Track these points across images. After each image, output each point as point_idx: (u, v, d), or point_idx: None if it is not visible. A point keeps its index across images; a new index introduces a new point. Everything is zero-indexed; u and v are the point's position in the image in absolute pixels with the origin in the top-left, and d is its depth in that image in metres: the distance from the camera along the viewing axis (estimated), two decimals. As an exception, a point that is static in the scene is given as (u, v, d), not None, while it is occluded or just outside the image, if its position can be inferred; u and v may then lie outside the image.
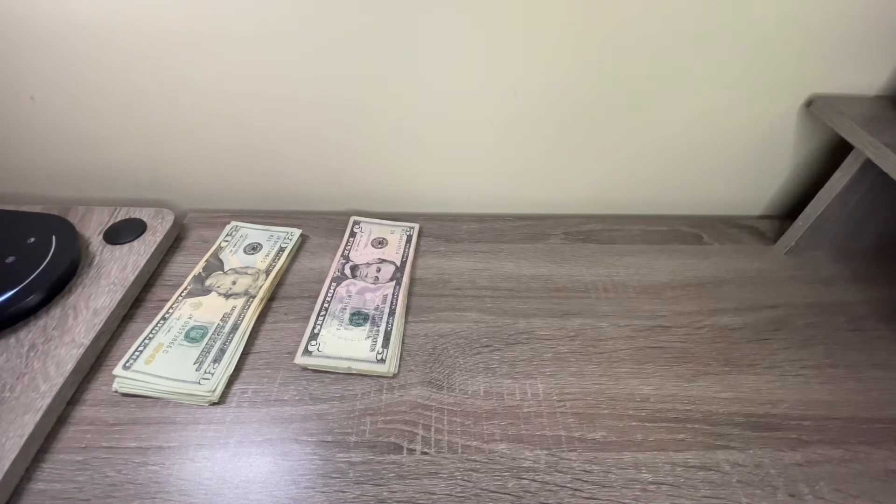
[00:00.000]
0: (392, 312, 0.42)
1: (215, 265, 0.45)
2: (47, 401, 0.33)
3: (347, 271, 0.46)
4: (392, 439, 0.34)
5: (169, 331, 0.38)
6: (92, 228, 0.47)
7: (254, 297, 0.42)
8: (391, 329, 0.40)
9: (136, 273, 0.42)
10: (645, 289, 0.46)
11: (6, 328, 0.37)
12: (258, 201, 0.54)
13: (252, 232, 0.49)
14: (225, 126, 0.48)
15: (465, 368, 0.38)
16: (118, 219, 0.48)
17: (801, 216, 0.49)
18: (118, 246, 0.45)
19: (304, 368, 0.38)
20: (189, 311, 0.40)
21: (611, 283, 0.47)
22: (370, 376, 0.37)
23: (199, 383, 0.35)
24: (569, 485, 0.32)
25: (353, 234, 0.50)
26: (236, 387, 0.36)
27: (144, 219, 0.48)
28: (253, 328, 0.40)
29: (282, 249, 0.47)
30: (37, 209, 0.47)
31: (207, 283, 0.43)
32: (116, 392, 0.35)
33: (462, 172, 0.53)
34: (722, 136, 0.50)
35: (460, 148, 0.51)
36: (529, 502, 0.31)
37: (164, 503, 0.30)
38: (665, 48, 0.43)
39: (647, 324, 0.43)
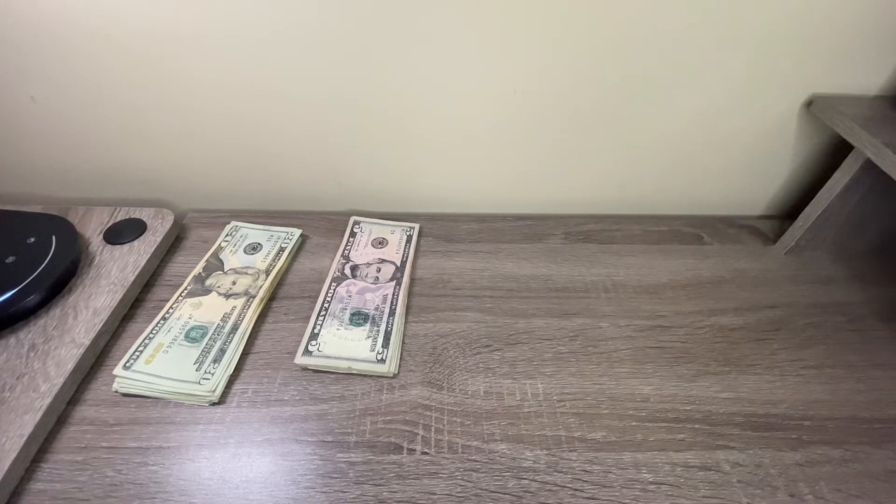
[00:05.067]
0: (392, 312, 0.42)
1: (215, 265, 0.45)
2: (47, 401, 0.33)
3: (347, 271, 0.46)
4: (392, 439, 0.34)
5: (169, 331, 0.38)
6: (92, 228, 0.47)
7: (254, 297, 0.42)
8: (391, 329, 0.40)
9: (136, 273, 0.42)
10: (645, 289, 0.46)
11: (6, 328, 0.37)
12: (258, 201, 0.54)
13: (252, 232, 0.49)
14: (225, 126, 0.48)
15: (465, 368, 0.38)
16: (118, 219, 0.48)
17: (801, 216, 0.50)
18: (118, 246, 0.45)
19: (305, 368, 0.38)
20: (189, 311, 0.40)
21: (611, 283, 0.47)
22: (370, 376, 0.37)
23: (199, 383, 0.35)
24: (569, 485, 0.32)
25: (353, 234, 0.50)
26: (236, 387, 0.36)
27: (144, 219, 0.48)
28: (253, 328, 0.40)
29: (282, 249, 0.47)
30: (37, 209, 0.47)
31: (207, 283, 0.43)
32: (116, 392, 0.35)
33: (462, 172, 0.53)
34: (722, 136, 0.50)
35: (460, 148, 0.51)
36: (529, 502, 0.31)
37: (163, 503, 0.30)
38: (665, 48, 0.43)
39: (647, 324, 0.43)
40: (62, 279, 0.41)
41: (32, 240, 0.42)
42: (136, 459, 0.32)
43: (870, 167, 0.42)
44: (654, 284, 0.47)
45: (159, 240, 0.46)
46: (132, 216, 0.48)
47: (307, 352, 0.38)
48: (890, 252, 0.51)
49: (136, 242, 0.45)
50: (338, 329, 0.40)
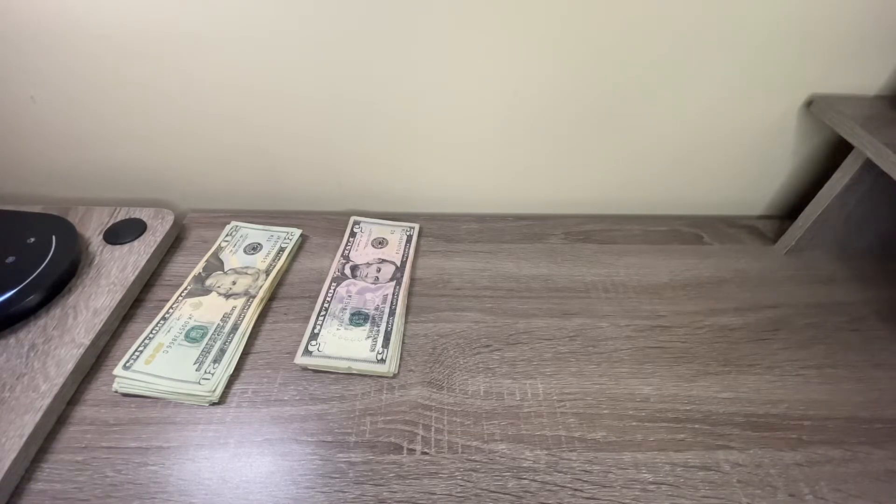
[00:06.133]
0: (392, 312, 0.42)
1: (215, 265, 0.45)
2: (47, 401, 0.33)
3: (347, 271, 0.46)
4: (392, 439, 0.34)
5: (169, 331, 0.38)
6: (92, 228, 0.47)
7: (254, 297, 0.42)
8: (391, 329, 0.40)
9: (136, 273, 0.42)
10: (645, 289, 0.46)
11: (6, 328, 0.37)
12: (258, 201, 0.54)
13: (252, 232, 0.49)
14: (225, 126, 0.48)
15: (465, 368, 0.38)
16: (118, 219, 0.48)
17: (801, 216, 0.50)
18: (118, 246, 0.45)
19: (305, 368, 0.38)
20: (189, 311, 0.40)
21: (611, 283, 0.47)
22: (370, 376, 0.37)
23: (199, 383, 0.35)
24: (569, 485, 0.32)
25: (353, 234, 0.50)
26: (236, 387, 0.36)
27: (144, 219, 0.48)
28: (253, 328, 0.40)
29: (282, 249, 0.47)
30: (37, 209, 0.47)
31: (207, 283, 0.43)
32: (116, 392, 0.35)
33: (462, 172, 0.53)
34: (722, 137, 0.50)
35: (460, 148, 0.51)
36: (529, 502, 0.31)
37: (164, 503, 0.30)
38: (665, 48, 0.43)
39: (647, 324, 0.43)
40: (62, 279, 0.41)
41: (32, 240, 0.42)
42: (136, 459, 0.32)
43: (870, 167, 0.42)
44: (654, 284, 0.47)
45: (159, 240, 0.46)
46: (132, 216, 0.48)
47: (307, 352, 0.38)
48: (890, 252, 0.51)
49: (136, 242, 0.45)
50: (338, 329, 0.40)
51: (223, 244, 0.48)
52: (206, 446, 0.33)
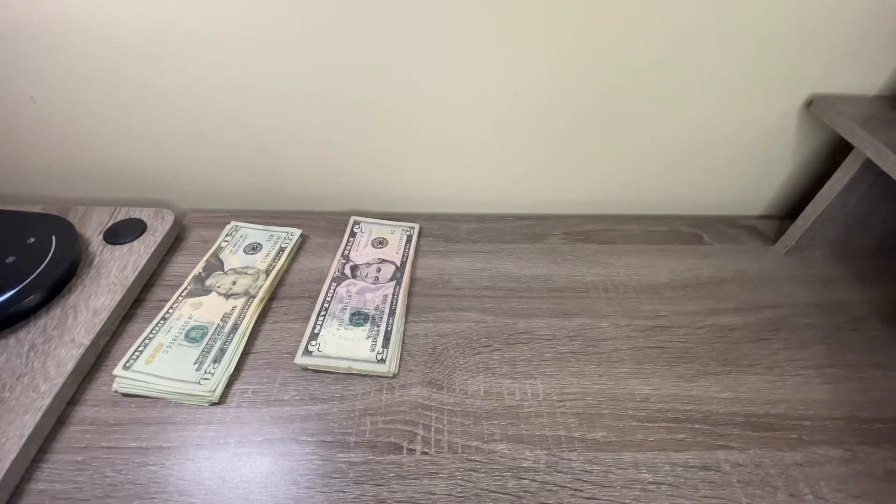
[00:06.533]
0: (392, 312, 0.42)
1: (215, 265, 0.45)
2: (47, 401, 0.33)
3: (347, 271, 0.46)
4: (392, 439, 0.34)
5: (169, 331, 0.38)
6: (92, 228, 0.47)
7: (254, 297, 0.42)
8: (391, 329, 0.40)
9: (136, 273, 0.42)
10: (645, 289, 0.46)
11: (6, 328, 0.37)
12: (258, 201, 0.54)
13: (252, 232, 0.49)
14: (225, 126, 0.48)
15: (465, 368, 0.38)
16: (118, 219, 0.48)
17: (801, 216, 0.50)
18: (118, 246, 0.45)
19: (305, 368, 0.38)
20: (189, 311, 0.40)
21: (611, 283, 0.47)
22: (370, 376, 0.37)
23: (199, 383, 0.35)
24: (569, 485, 0.32)
25: (353, 234, 0.50)
26: (236, 387, 0.36)
27: (144, 219, 0.48)
28: (253, 328, 0.40)
29: (282, 249, 0.47)
30: (37, 209, 0.47)
31: (207, 283, 0.43)
32: (116, 392, 0.35)
33: (462, 172, 0.53)
34: (722, 137, 0.50)
35: (460, 148, 0.51)
36: (529, 502, 0.31)
37: (163, 503, 0.30)
38: (665, 48, 0.43)
39: (647, 324, 0.43)
40: (62, 279, 0.41)
41: (32, 240, 0.42)
42: (136, 459, 0.32)
43: (870, 167, 0.42)
44: (654, 284, 0.47)
45: (159, 240, 0.46)
46: (132, 216, 0.48)
47: (307, 352, 0.38)
48: (890, 252, 0.51)
49: (136, 242, 0.45)
50: (338, 329, 0.40)
51: (223, 244, 0.48)
52: (206, 446, 0.33)
